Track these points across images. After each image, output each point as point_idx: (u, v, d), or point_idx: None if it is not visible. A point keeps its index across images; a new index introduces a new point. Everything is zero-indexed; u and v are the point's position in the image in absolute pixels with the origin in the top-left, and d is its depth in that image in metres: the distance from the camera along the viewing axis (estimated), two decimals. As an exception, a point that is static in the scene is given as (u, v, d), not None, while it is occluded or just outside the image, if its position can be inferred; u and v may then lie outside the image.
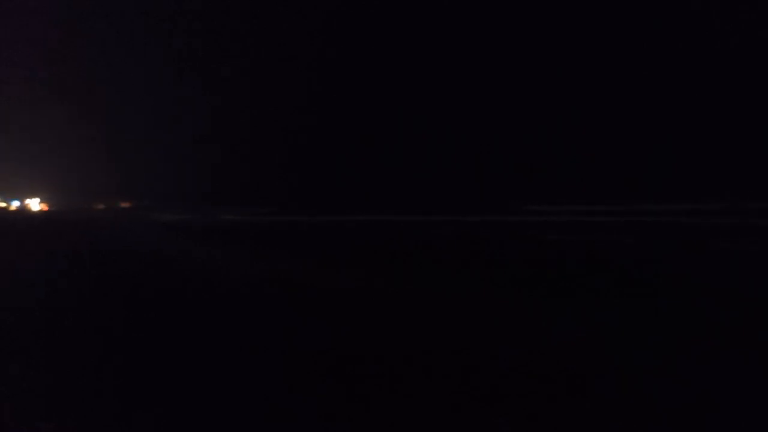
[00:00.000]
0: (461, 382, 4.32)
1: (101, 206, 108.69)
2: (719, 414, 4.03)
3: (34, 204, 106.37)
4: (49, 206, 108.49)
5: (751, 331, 6.74)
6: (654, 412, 3.98)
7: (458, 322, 6.92)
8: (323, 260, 15.58)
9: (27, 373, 4.27)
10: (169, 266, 13.22)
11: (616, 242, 23.30)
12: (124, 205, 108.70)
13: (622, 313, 7.78)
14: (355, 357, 4.97)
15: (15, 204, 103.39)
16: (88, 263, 12.89)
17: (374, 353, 5.14)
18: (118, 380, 4.22)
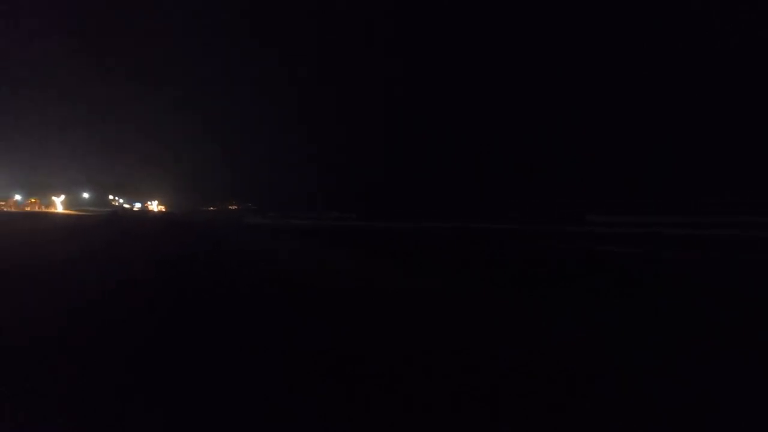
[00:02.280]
0: (461, 382, 4.26)
1: (212, 208, 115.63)
2: (719, 414, 3.89)
3: (154, 206, 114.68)
4: (167, 208, 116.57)
5: (751, 332, 6.63)
6: (654, 412, 3.87)
7: (458, 322, 6.85)
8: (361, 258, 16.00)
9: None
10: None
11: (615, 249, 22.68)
12: (232, 207, 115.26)
13: (622, 314, 7.65)
14: (355, 357, 4.93)
15: (137, 206, 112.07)
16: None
17: (374, 353, 5.10)
18: (122, 379, 4.19)
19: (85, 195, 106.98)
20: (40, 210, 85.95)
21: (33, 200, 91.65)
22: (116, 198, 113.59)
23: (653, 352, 5.40)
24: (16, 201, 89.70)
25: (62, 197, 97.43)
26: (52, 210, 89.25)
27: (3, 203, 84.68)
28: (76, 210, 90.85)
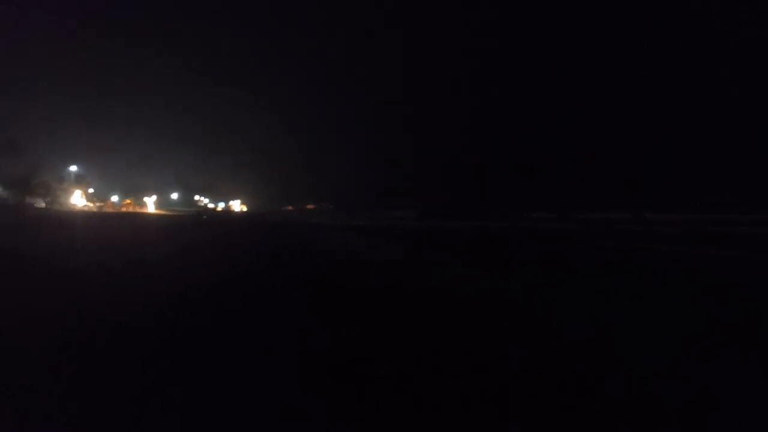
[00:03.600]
0: (472, 383, 4.21)
1: (290, 208, 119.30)
2: (730, 415, 3.74)
3: (236, 206, 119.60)
4: (248, 208, 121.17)
5: (756, 332, 6.41)
6: (664, 413, 3.73)
7: (469, 322, 6.73)
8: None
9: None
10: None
11: (625, 247, 22.07)
12: (309, 207, 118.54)
13: (632, 315, 7.38)
14: (365, 358, 4.91)
15: (221, 206, 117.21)
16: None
17: (385, 354, 5.07)
18: (133, 379, 4.21)
19: (174, 196, 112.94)
20: (133, 210, 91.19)
21: (128, 201, 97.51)
22: (202, 198, 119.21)
23: (663, 354, 5.22)
24: (113, 202, 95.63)
25: (153, 198, 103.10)
26: (144, 210, 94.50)
27: (102, 204, 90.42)
28: (165, 210, 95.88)
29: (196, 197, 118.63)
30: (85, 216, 56.86)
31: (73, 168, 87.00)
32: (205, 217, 65.81)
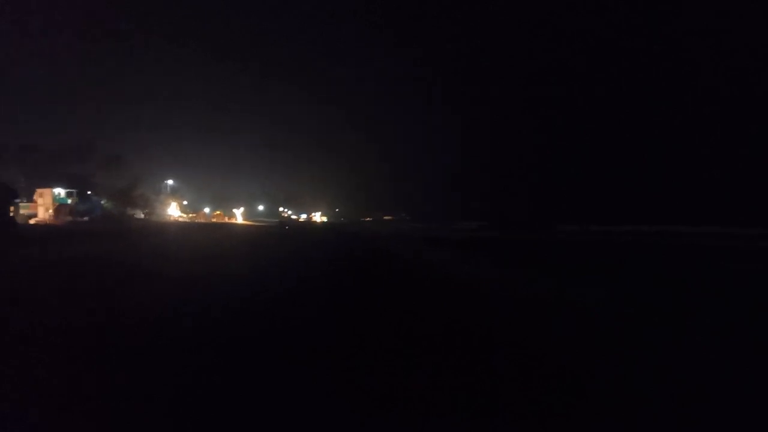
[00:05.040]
0: (462, 382, 4.25)
1: (369, 219, 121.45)
2: (717, 412, 3.69)
3: (317, 217, 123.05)
4: (328, 218, 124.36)
5: (749, 331, 6.33)
6: (654, 411, 3.72)
7: (456, 320, 6.75)
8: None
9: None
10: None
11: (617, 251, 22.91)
12: (387, 218, 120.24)
13: (620, 313, 7.36)
14: (356, 357, 5.01)
15: (303, 216, 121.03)
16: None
17: (374, 354, 5.14)
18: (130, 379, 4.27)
19: (260, 207, 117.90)
20: (223, 221, 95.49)
21: (218, 212, 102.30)
22: (285, 210, 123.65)
23: (652, 351, 5.13)
24: (205, 213, 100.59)
25: (241, 209, 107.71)
26: (233, 221, 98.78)
27: (195, 215, 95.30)
28: (252, 220, 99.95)
29: (280, 209, 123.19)
30: (181, 226, 60.00)
31: (169, 181, 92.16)
32: (287, 227, 67.82)
